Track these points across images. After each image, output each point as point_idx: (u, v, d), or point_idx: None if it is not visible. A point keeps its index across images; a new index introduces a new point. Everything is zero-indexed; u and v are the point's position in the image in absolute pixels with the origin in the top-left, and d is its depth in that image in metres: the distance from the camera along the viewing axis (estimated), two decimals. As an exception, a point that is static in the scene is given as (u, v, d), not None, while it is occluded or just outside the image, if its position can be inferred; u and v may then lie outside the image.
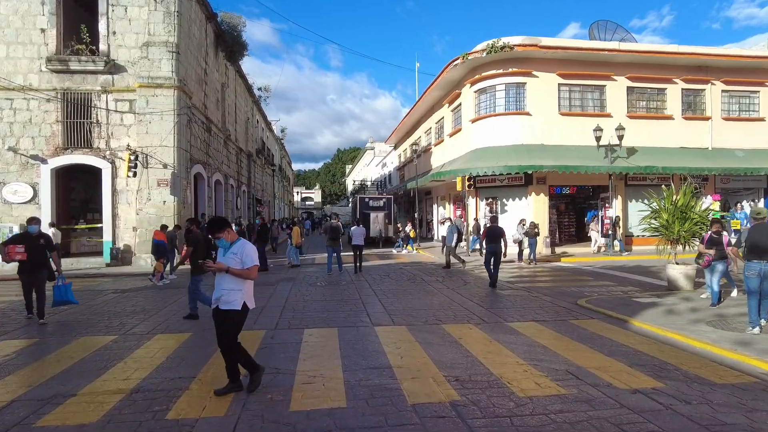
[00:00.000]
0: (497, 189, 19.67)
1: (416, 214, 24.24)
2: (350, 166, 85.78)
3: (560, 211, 21.10)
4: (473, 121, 19.95)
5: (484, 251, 15.51)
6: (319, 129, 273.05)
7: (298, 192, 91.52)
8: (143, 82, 15.60)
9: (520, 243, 15.84)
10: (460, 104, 21.60)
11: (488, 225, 11.77)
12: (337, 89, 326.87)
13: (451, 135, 22.89)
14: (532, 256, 15.49)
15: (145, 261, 15.61)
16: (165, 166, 15.65)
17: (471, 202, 19.99)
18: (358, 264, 14.23)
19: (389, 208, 24.40)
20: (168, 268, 13.26)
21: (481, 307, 8.47)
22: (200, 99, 19.34)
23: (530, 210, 18.66)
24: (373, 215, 23.05)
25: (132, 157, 14.67)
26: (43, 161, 15.57)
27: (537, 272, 13.79)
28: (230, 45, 22.21)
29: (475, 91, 19.94)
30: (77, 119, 15.80)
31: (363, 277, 12.69)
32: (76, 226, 16.81)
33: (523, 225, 15.60)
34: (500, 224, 19.22)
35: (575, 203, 22.17)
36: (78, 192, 17.86)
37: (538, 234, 15.87)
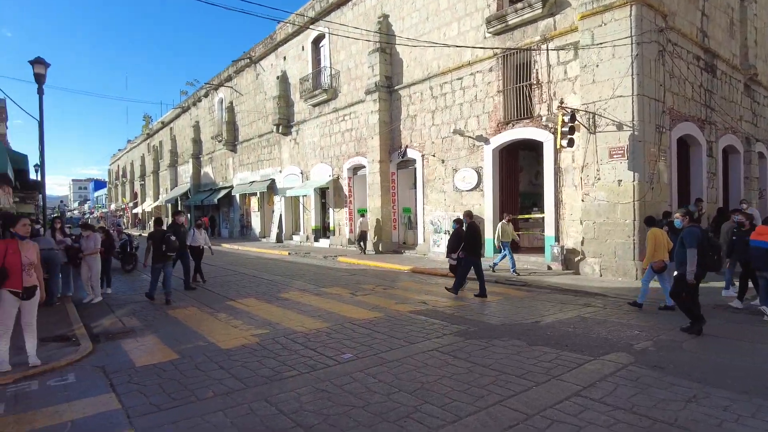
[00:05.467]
0: None
1: None
2: None
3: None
4: None
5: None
6: None
7: None
8: (586, 10, 10.73)
9: None
10: None
11: None
12: None
13: None
14: None
15: (591, 268, 10.92)
16: (619, 127, 10.24)
17: None
18: None
19: None
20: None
21: None
22: (691, 21, 12.31)
23: None
24: None
25: (565, 119, 10.15)
26: (486, 141, 13.62)
27: None
28: None
29: None
30: (515, 84, 12.89)
31: None
32: (523, 216, 14.08)
33: None
34: None
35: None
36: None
37: None
